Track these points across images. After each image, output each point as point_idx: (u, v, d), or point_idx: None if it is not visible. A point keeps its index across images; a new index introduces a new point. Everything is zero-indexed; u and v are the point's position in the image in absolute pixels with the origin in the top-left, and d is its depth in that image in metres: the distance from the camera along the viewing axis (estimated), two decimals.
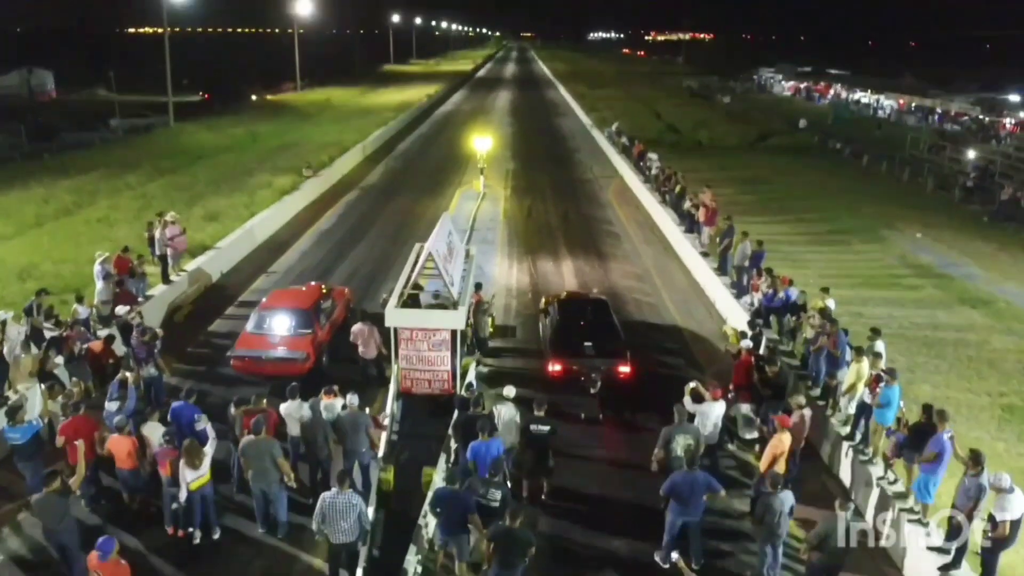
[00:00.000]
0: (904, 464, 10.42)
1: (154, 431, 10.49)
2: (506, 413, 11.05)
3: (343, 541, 9.07)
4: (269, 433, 10.39)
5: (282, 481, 10.24)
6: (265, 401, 11.08)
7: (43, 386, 12.15)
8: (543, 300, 16.99)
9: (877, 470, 11.04)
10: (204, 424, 10.66)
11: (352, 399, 11.01)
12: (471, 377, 13.63)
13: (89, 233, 21.44)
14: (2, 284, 17.26)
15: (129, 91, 59.16)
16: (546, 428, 10.75)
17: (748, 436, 12.68)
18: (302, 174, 29.77)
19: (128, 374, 11.94)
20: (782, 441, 10.44)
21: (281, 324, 14.24)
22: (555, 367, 13.95)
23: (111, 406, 11.27)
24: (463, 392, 12.51)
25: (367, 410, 11.50)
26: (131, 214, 23.50)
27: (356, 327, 14.09)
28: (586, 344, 14.11)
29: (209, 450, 10.16)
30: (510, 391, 11.46)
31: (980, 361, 15.57)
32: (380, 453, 11.50)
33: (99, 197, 26.01)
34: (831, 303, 14.74)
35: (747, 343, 13.40)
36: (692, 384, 11.82)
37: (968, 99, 58.85)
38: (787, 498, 9.15)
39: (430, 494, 9.68)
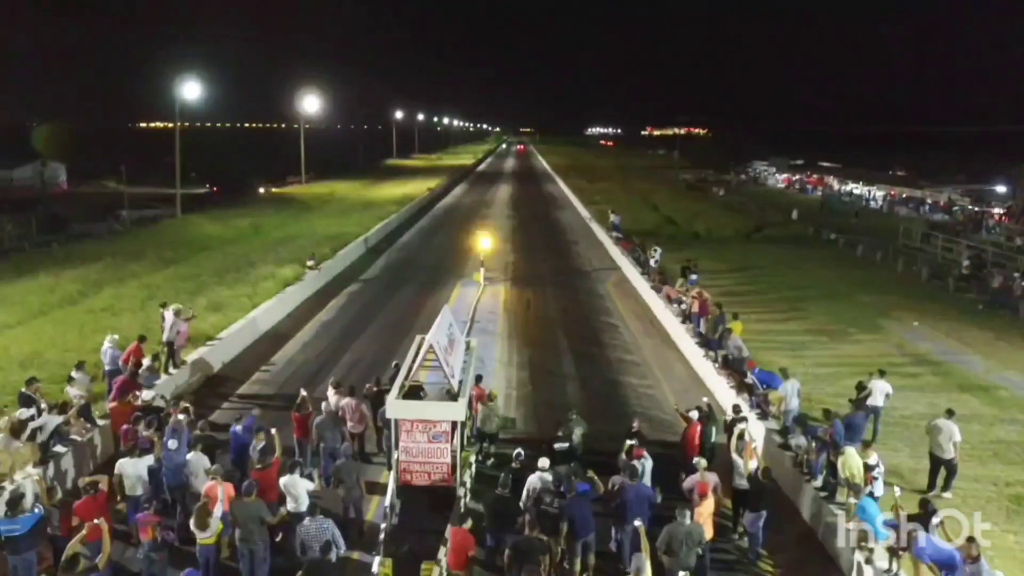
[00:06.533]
0: (912, 559, 10.22)
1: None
2: (535, 478, 11.85)
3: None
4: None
5: (270, 544, 10.52)
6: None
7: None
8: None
9: (882, 563, 10.81)
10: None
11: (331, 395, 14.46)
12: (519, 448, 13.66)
13: (93, 323, 21.60)
14: (4, 372, 17.30)
15: (139, 183, 60.56)
16: (556, 510, 11.23)
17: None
18: (305, 265, 30.22)
19: (181, 416, 12.38)
20: (705, 507, 11.33)
21: None
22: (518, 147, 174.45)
23: (172, 443, 11.79)
24: (514, 462, 12.79)
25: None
26: (135, 304, 23.75)
27: (344, 401, 14.59)
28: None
29: (217, 513, 10.26)
30: (544, 462, 12.10)
31: (984, 451, 15.44)
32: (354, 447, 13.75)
33: (104, 287, 26.30)
34: (885, 386, 15.64)
35: (695, 413, 14.19)
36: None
37: (956, 190, 60.29)
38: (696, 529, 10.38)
39: None
